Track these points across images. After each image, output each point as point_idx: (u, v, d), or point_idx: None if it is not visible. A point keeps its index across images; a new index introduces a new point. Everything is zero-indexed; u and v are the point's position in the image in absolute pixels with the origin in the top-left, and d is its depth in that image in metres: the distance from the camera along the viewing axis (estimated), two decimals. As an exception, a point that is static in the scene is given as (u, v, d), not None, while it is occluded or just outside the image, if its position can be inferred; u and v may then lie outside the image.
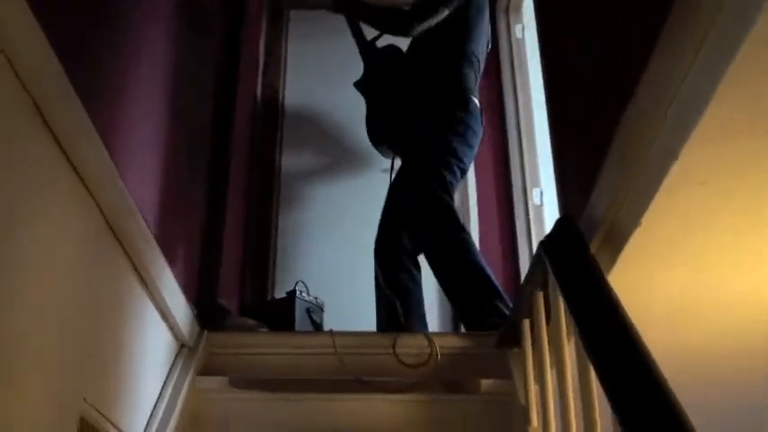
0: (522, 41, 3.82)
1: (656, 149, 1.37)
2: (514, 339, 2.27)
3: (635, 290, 1.64)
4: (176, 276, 2.13)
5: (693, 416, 1.05)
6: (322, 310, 2.92)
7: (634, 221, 1.52)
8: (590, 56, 1.91)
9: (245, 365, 2.39)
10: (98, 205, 1.58)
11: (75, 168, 1.45)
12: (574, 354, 1.57)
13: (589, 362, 1.41)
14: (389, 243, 2.89)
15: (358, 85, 3.31)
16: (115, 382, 1.78)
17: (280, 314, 2.82)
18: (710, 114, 1.16)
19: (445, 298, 3.37)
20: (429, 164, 2.88)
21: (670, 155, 1.30)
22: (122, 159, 1.69)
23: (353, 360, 2.34)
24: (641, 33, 1.43)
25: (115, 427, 1.72)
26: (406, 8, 3.09)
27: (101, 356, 1.69)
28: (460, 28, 3.02)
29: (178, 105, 2.29)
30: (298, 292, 2.86)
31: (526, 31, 3.82)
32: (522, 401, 2.11)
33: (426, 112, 2.97)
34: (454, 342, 2.52)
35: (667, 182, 1.35)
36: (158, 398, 2.08)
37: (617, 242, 1.63)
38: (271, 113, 3.83)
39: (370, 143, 3.26)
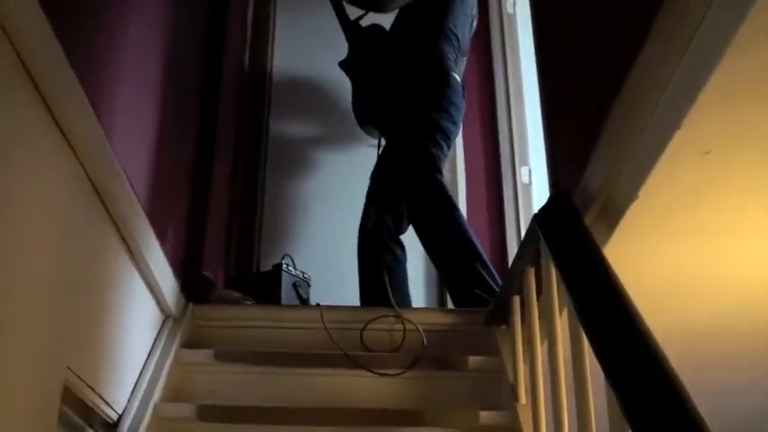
0: (513, 16, 3.77)
1: (658, 119, 1.34)
2: (503, 317, 2.25)
3: (631, 263, 1.61)
4: (162, 246, 2.09)
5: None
6: (309, 285, 2.89)
7: (631, 194, 1.50)
8: (587, 23, 1.87)
9: (232, 338, 2.36)
10: (84, 168, 1.53)
11: (60, 127, 1.40)
12: (566, 328, 1.55)
13: (582, 331, 1.40)
14: (374, 224, 2.89)
15: (343, 65, 3.34)
16: (100, 352, 1.74)
17: (265, 288, 2.79)
18: (716, 81, 1.13)
19: (433, 276, 3.38)
20: (417, 139, 2.88)
21: (672, 124, 1.27)
22: (109, 123, 1.64)
23: (342, 335, 2.31)
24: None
25: (99, 396, 1.69)
26: None
27: (86, 325, 1.65)
28: (436, 4, 3.05)
29: (166, 72, 2.24)
30: (284, 266, 2.82)
31: (517, 6, 3.77)
32: (511, 379, 2.10)
33: (410, 87, 2.98)
34: (441, 318, 2.50)
35: (668, 152, 1.33)
36: (142, 370, 2.04)
37: (613, 215, 1.62)
38: (258, 85, 3.78)
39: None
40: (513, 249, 3.38)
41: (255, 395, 2.16)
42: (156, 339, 2.18)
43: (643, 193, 1.47)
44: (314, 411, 2.10)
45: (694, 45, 1.17)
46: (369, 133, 3.32)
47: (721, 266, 1.66)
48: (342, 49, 3.34)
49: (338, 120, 3.56)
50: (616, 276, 1.38)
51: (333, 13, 3.32)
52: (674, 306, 1.82)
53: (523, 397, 2.02)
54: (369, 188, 3.01)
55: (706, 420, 0.96)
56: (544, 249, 1.75)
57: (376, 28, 3.30)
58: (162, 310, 2.23)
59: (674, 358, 1.09)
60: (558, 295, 1.70)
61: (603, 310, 1.32)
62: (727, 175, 1.35)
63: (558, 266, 1.61)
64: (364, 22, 3.30)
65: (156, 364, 2.09)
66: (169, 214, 2.32)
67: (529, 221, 3.38)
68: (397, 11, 3.17)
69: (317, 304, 2.43)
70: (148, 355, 2.10)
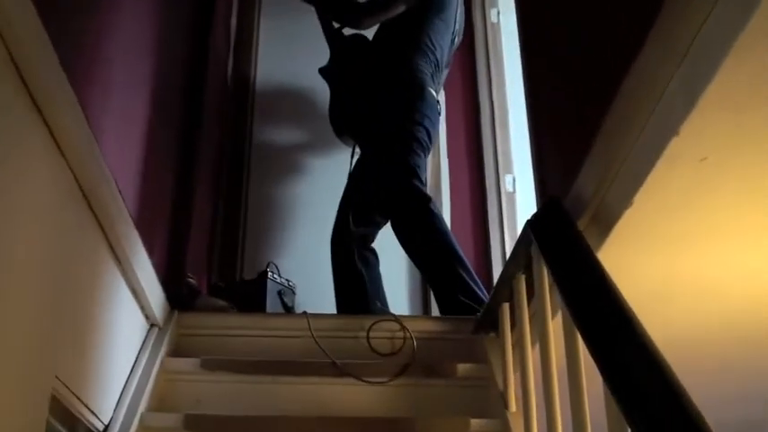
0: (497, 26, 3.78)
1: (655, 124, 1.33)
2: (492, 324, 2.25)
3: (623, 269, 1.61)
4: (148, 253, 2.06)
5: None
6: (294, 293, 2.87)
7: (625, 201, 1.49)
8: (579, 25, 1.85)
9: (217, 347, 2.33)
10: (73, 172, 1.51)
11: (49, 128, 1.37)
12: (559, 332, 1.54)
13: (577, 333, 1.39)
14: (342, 231, 2.92)
15: (323, 71, 3.35)
16: (87, 361, 1.71)
17: (250, 296, 2.76)
18: (717, 85, 1.12)
19: (416, 283, 3.37)
20: (395, 148, 2.90)
21: (670, 130, 1.27)
22: (98, 128, 1.62)
23: (329, 343, 2.29)
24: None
25: (86, 406, 1.66)
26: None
27: (73, 333, 1.62)
28: (415, 19, 3.08)
29: (153, 78, 2.21)
30: (269, 274, 2.80)
31: (501, 16, 3.79)
32: (500, 386, 2.09)
33: (389, 98, 3.01)
34: (430, 326, 2.49)
35: (664, 159, 1.32)
36: (128, 379, 2.01)
37: (606, 222, 1.61)
38: (242, 91, 3.75)
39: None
40: (497, 257, 3.39)
41: (242, 404, 2.14)
42: (141, 348, 2.14)
43: (637, 199, 1.46)
44: (301, 420, 2.07)
45: (695, 48, 1.16)
46: (344, 142, 3.33)
47: (716, 272, 1.66)
48: (325, 51, 3.34)
49: (322, 127, 3.54)
50: (610, 278, 1.38)
51: (317, 21, 3.32)
52: (667, 312, 1.82)
53: (513, 404, 2.01)
54: (342, 197, 3.04)
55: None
56: (536, 254, 1.74)
57: (359, 37, 3.33)
58: (147, 317, 2.19)
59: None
60: (551, 299, 1.70)
61: (600, 309, 1.32)
62: (723, 178, 1.35)
63: (551, 269, 1.60)
64: (348, 32, 3.30)
65: (142, 374, 2.06)
66: (155, 221, 2.29)
67: (512, 229, 3.43)
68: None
69: (304, 312, 2.41)
70: (134, 364, 2.07)
